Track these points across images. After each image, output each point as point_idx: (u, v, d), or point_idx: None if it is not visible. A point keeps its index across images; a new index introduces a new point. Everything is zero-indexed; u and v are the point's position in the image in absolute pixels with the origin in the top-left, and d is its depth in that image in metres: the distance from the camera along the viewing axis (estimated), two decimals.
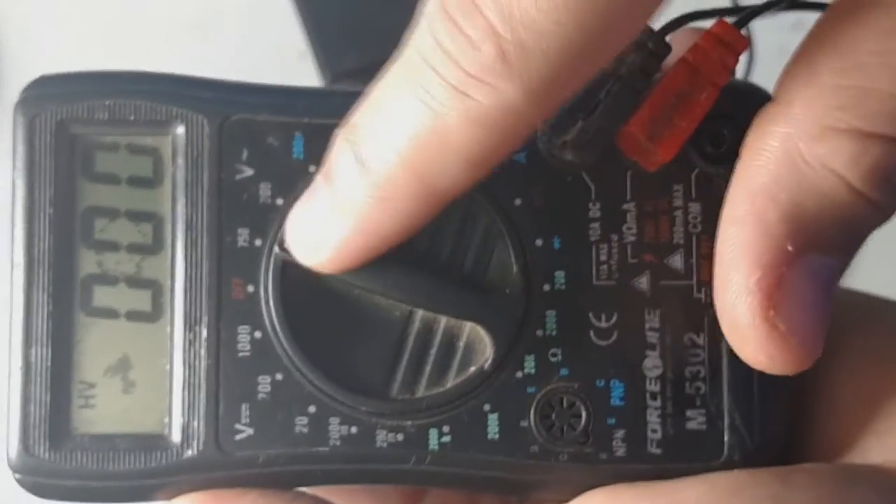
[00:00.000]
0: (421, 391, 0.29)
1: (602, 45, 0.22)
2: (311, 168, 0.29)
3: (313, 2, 0.60)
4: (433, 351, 0.29)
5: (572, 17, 0.21)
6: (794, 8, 0.28)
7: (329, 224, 0.26)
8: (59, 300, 0.29)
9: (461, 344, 0.29)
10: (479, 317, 0.28)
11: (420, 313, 0.29)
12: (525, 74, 0.22)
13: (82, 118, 0.29)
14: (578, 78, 0.23)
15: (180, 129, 0.29)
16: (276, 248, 0.28)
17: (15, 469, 0.29)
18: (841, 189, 0.24)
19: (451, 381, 0.29)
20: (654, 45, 0.27)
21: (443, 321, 0.29)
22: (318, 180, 0.26)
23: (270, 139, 0.29)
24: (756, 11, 0.28)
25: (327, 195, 0.25)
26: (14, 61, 0.61)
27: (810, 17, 0.26)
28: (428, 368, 0.29)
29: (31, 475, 0.29)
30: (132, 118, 0.29)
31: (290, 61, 0.62)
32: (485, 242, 0.29)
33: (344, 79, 0.59)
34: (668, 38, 0.27)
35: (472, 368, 0.29)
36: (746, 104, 0.28)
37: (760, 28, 0.31)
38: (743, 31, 0.27)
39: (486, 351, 0.28)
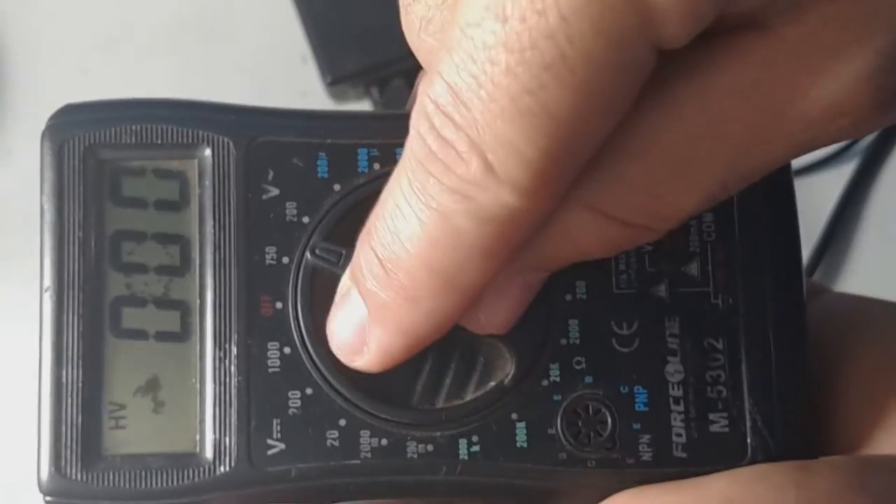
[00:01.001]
0: (440, 404, 0.29)
1: (581, 136, 0.22)
2: (336, 186, 0.30)
3: (314, 4, 0.61)
4: (453, 365, 0.29)
5: (538, 122, 0.22)
6: None
7: (366, 330, 0.26)
8: (89, 322, 0.29)
9: (481, 359, 0.29)
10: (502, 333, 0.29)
11: None
12: (515, 180, 0.22)
13: (110, 143, 0.30)
14: (573, 167, 0.23)
15: (206, 152, 0.30)
16: (308, 255, 0.29)
17: (47, 492, 0.29)
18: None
19: (469, 395, 0.29)
20: None
21: (463, 336, 0.29)
22: (347, 284, 0.27)
23: (295, 159, 0.30)
24: None
25: (358, 301, 0.26)
26: (16, 58, 0.61)
27: None
28: (448, 381, 0.29)
29: (63, 497, 0.29)
30: (159, 142, 0.30)
31: (291, 63, 0.62)
32: None
33: (344, 81, 0.59)
34: None
35: (492, 384, 0.29)
36: None
37: None
38: None
39: (507, 367, 0.29)
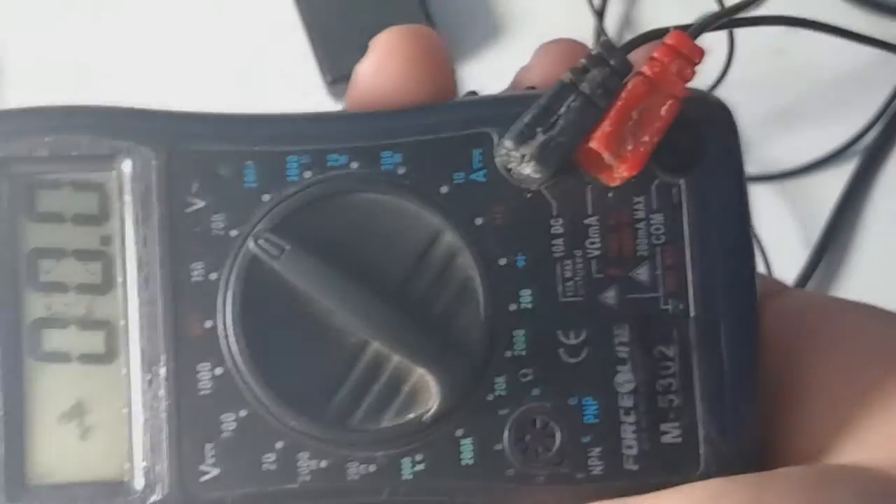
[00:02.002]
0: (353, 424, 0.28)
1: None
2: (265, 197, 0.28)
3: (314, 4, 0.60)
4: (376, 387, 0.28)
5: None
6: (743, 25, 0.28)
7: None
8: (7, 346, 0.28)
9: (406, 387, 0.28)
10: (433, 367, 0.28)
11: (374, 345, 0.28)
12: None
13: (22, 157, 0.28)
14: None
15: (126, 164, 0.28)
16: (250, 244, 0.28)
17: None
18: None
19: (384, 423, 0.28)
20: (616, 62, 0.27)
21: (394, 360, 0.28)
22: None
23: (221, 169, 0.28)
24: (707, 23, 0.28)
25: None
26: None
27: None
28: (365, 403, 0.28)
29: None
30: (75, 154, 0.28)
31: (291, 63, 0.61)
32: (462, 289, 0.28)
33: (345, 80, 0.59)
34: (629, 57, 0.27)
35: (410, 416, 0.28)
36: (703, 114, 0.29)
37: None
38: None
39: (430, 402, 0.28)
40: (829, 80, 0.59)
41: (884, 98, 0.59)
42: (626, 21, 0.60)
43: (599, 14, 0.60)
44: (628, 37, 0.27)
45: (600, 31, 0.61)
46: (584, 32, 0.60)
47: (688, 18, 0.29)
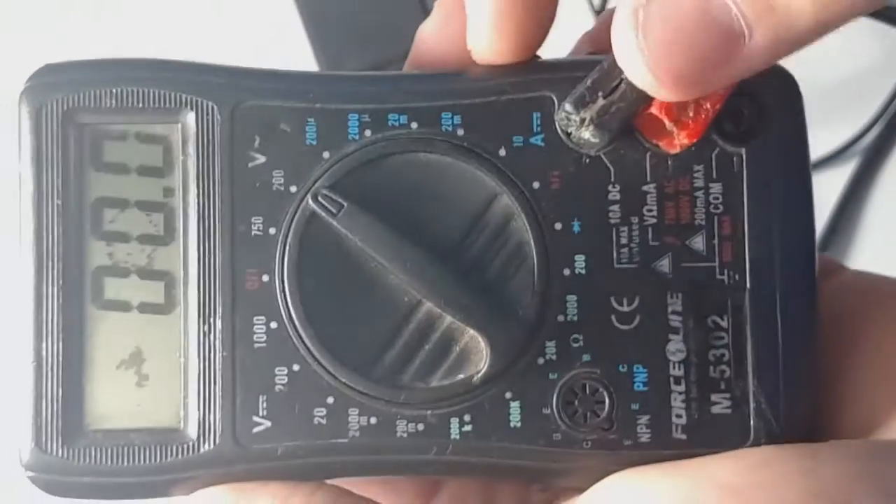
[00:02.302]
0: (404, 383, 0.28)
1: None
2: (325, 154, 0.28)
3: (314, 4, 0.60)
4: (427, 347, 0.28)
5: None
6: None
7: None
8: (70, 293, 0.28)
9: (457, 348, 0.28)
10: (484, 329, 0.28)
11: (427, 305, 0.28)
12: None
13: (90, 107, 0.28)
14: None
15: (190, 117, 0.28)
16: (308, 201, 0.28)
17: (28, 467, 0.28)
18: None
19: (434, 382, 0.28)
20: None
21: (446, 320, 0.28)
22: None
23: (283, 125, 0.28)
24: None
25: None
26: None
27: None
28: (416, 362, 0.28)
29: (44, 473, 0.28)
30: (141, 106, 0.28)
31: (291, 63, 0.62)
32: (516, 253, 0.28)
33: None
34: None
35: (460, 376, 0.28)
36: (766, 82, 0.28)
37: None
38: None
39: (480, 364, 0.28)
40: (829, 80, 0.58)
41: (884, 98, 0.58)
42: None
43: (599, 13, 0.59)
44: None
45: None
46: (583, 32, 0.60)
47: None
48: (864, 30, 0.54)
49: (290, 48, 0.61)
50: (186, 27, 0.63)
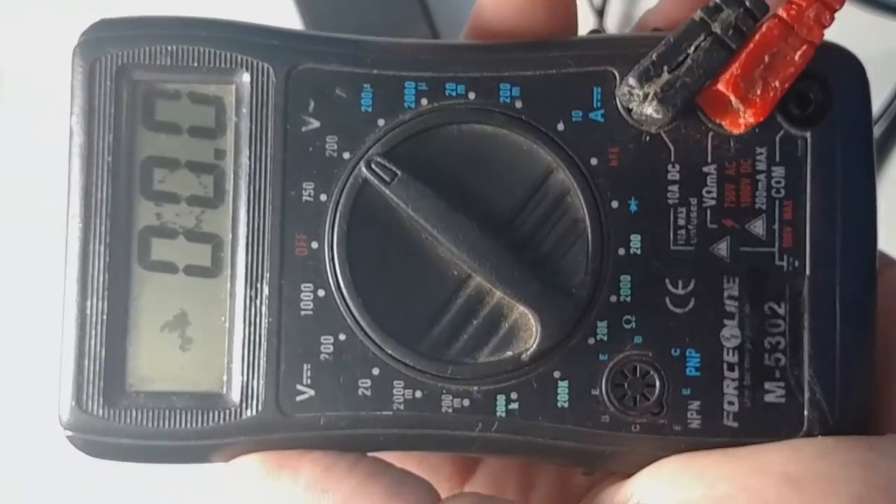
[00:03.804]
0: (450, 357, 0.28)
1: None
2: (380, 121, 0.28)
3: (314, 5, 0.60)
4: (475, 322, 0.28)
5: None
6: None
7: None
8: (117, 252, 0.28)
9: (506, 324, 0.28)
10: (535, 306, 0.27)
11: (477, 279, 0.27)
12: None
13: (144, 64, 0.28)
14: None
15: (245, 78, 0.28)
16: (361, 167, 0.27)
17: (67, 426, 0.28)
18: None
19: (482, 358, 0.28)
20: (751, 2, 0.26)
21: (496, 295, 0.27)
22: None
23: (338, 90, 0.28)
24: None
25: None
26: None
27: None
28: (464, 337, 0.28)
29: (83, 433, 0.28)
30: (196, 65, 0.28)
31: None
32: (570, 230, 0.28)
33: None
34: None
35: (509, 353, 0.27)
36: (834, 65, 0.28)
37: None
38: None
39: (529, 341, 0.27)
40: None
41: (884, 98, 0.57)
42: (626, 20, 0.58)
43: (599, 13, 0.58)
44: None
45: (600, 30, 0.59)
46: (583, 32, 0.58)
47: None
48: (865, 28, 0.53)
49: None
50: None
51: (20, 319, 0.54)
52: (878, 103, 0.58)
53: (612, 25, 0.60)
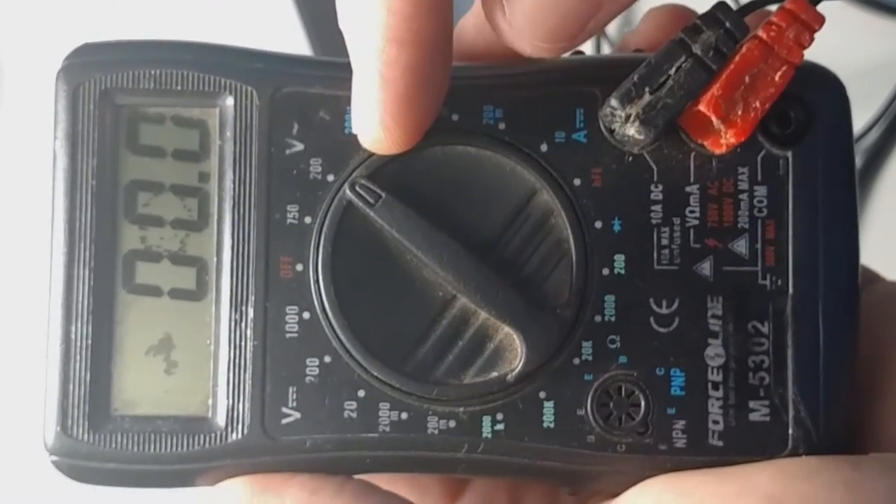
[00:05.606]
0: (436, 378, 0.28)
1: None
2: None
3: (314, 5, 0.60)
4: (460, 343, 0.28)
5: None
6: None
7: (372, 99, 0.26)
8: (101, 276, 0.28)
9: (492, 345, 0.28)
10: (520, 326, 0.27)
11: (462, 301, 0.28)
12: None
13: (127, 88, 0.28)
14: None
15: (229, 101, 0.28)
16: (346, 190, 0.28)
17: (52, 451, 0.28)
18: None
19: (467, 379, 0.28)
20: (732, 23, 0.26)
21: (481, 316, 0.28)
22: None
23: (322, 113, 0.28)
24: None
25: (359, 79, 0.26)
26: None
27: None
28: (449, 358, 0.28)
29: (68, 458, 0.28)
30: (179, 88, 0.28)
31: None
32: (554, 250, 0.28)
33: None
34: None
35: (494, 374, 0.28)
36: (814, 85, 0.28)
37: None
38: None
39: (514, 362, 0.27)
40: None
41: (884, 98, 0.58)
42: (626, 20, 0.59)
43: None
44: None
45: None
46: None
47: None
48: (865, 29, 0.53)
49: (288, 48, 0.61)
50: (186, 27, 0.62)
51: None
52: (877, 104, 0.58)
53: (611, 25, 0.60)
